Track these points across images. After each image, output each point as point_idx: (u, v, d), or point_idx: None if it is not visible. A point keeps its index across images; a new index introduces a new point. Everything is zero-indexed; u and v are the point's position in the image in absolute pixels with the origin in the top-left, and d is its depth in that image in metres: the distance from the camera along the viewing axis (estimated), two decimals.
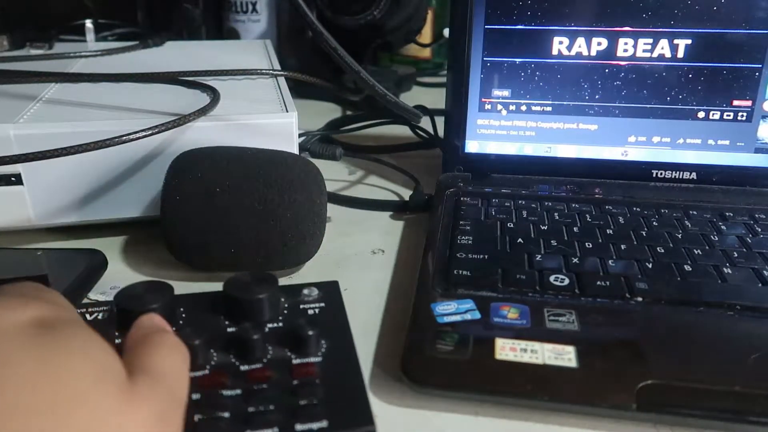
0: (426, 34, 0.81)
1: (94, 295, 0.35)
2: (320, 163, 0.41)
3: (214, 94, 0.42)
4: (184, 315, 0.29)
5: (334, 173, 0.52)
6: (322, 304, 0.30)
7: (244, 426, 0.22)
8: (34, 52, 0.57)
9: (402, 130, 0.59)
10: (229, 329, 0.28)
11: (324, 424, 0.22)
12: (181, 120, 0.37)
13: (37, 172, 0.37)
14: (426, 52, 0.85)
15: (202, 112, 0.38)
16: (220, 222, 0.34)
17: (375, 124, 0.60)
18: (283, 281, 0.30)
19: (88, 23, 0.63)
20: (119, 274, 0.37)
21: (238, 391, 0.24)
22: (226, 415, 0.23)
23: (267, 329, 0.28)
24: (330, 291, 0.31)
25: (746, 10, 0.41)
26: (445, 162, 0.48)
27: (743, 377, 0.26)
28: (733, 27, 0.42)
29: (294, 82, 0.50)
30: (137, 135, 0.35)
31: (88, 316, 0.29)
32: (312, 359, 0.26)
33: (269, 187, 0.34)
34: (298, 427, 0.22)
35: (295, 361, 0.26)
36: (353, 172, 0.53)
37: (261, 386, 0.24)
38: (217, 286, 0.30)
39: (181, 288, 0.30)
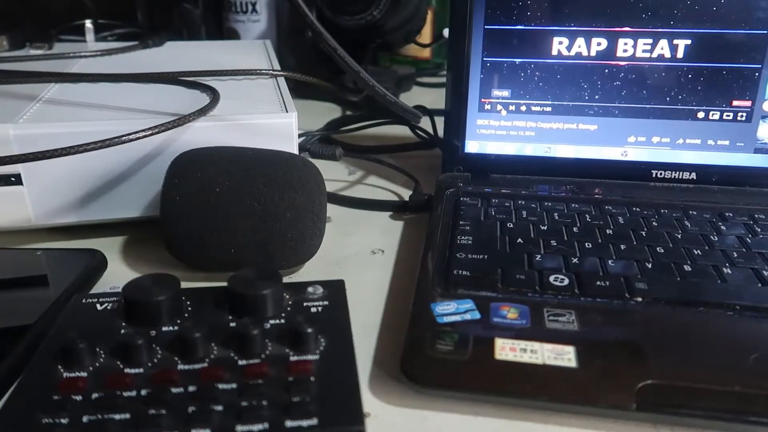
0: (426, 35, 0.81)
1: None
2: (320, 163, 0.41)
3: (214, 95, 0.42)
4: (189, 308, 0.29)
5: (334, 173, 0.52)
6: (326, 303, 0.30)
7: (235, 420, 0.22)
8: (34, 52, 0.57)
9: (402, 130, 0.59)
10: (232, 324, 0.28)
11: (314, 421, 0.23)
12: (181, 120, 0.37)
13: (37, 172, 0.37)
14: (426, 53, 0.85)
15: (202, 112, 0.38)
16: (219, 222, 0.34)
17: (375, 125, 0.60)
18: (284, 281, 0.30)
19: (88, 23, 0.63)
20: (119, 274, 0.37)
21: (234, 386, 0.24)
22: (219, 408, 0.23)
23: (268, 325, 0.28)
24: (335, 290, 0.31)
25: (746, 10, 0.41)
26: (445, 162, 0.48)
27: (743, 377, 0.26)
28: (732, 27, 0.42)
29: (294, 82, 0.50)
30: (137, 135, 0.35)
31: (98, 306, 0.29)
32: (309, 357, 0.26)
33: (269, 187, 0.34)
34: (288, 423, 0.22)
35: (293, 358, 0.26)
36: (353, 172, 0.53)
37: (256, 381, 0.24)
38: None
39: None
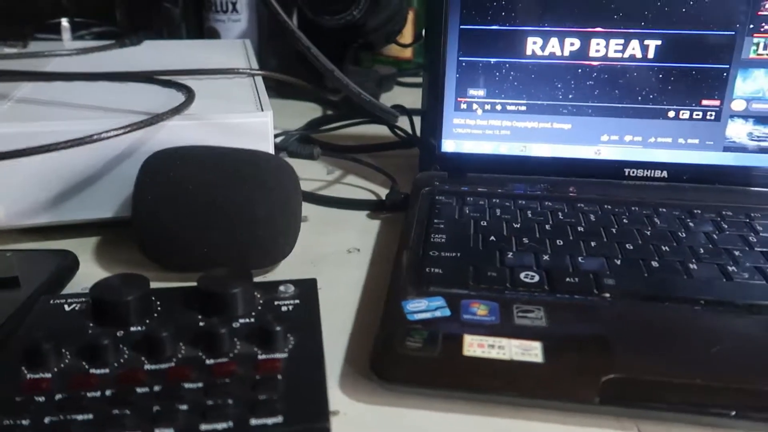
0: (407, 35, 0.81)
1: None
2: (298, 163, 0.41)
3: (189, 93, 0.41)
4: (159, 308, 0.29)
5: (312, 173, 0.52)
6: (297, 301, 0.30)
7: (200, 419, 0.22)
8: (8, 50, 0.56)
9: (381, 130, 0.59)
10: (201, 323, 0.28)
11: (279, 419, 0.23)
12: (154, 119, 0.37)
13: (7, 171, 0.37)
14: (407, 53, 0.85)
15: (176, 111, 0.38)
16: (192, 221, 0.34)
17: (354, 124, 0.61)
18: (257, 280, 0.30)
19: (64, 22, 0.63)
20: (91, 275, 0.37)
21: (200, 385, 0.24)
22: (184, 407, 0.23)
23: (238, 324, 0.28)
24: (306, 288, 0.31)
25: (714, 12, 0.42)
26: (422, 161, 0.49)
27: (705, 370, 0.27)
28: (701, 28, 0.42)
29: (276, 82, 0.50)
30: (109, 134, 0.35)
31: (66, 307, 0.29)
32: (277, 355, 0.26)
33: (242, 186, 0.34)
34: (253, 421, 0.22)
35: (261, 357, 0.26)
36: (331, 171, 0.53)
37: (223, 380, 0.24)
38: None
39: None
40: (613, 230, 0.38)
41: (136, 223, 0.35)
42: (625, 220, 0.39)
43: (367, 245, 0.41)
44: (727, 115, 0.44)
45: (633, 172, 0.46)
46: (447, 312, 0.30)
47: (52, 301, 0.29)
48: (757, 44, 0.42)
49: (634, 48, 0.43)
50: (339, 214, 0.46)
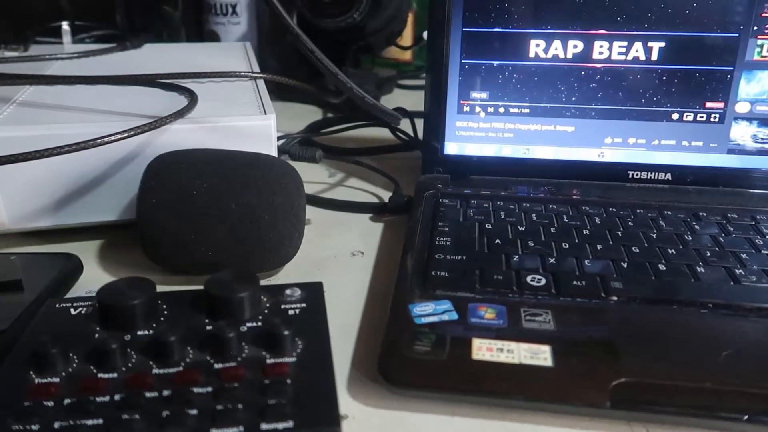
0: (407, 37, 0.81)
1: None
2: (300, 166, 0.41)
3: (192, 97, 0.41)
4: (165, 312, 0.29)
5: (314, 176, 0.52)
6: (304, 305, 0.30)
7: (210, 424, 0.22)
8: (8, 54, 0.56)
9: (382, 133, 0.59)
10: (208, 327, 0.28)
11: (289, 424, 0.22)
12: (158, 122, 0.37)
13: (11, 175, 0.36)
14: (407, 55, 0.85)
15: (179, 114, 0.38)
16: (196, 224, 0.34)
17: (355, 127, 0.60)
18: (262, 283, 0.30)
19: (65, 25, 0.62)
20: (95, 279, 0.37)
21: (209, 389, 0.24)
22: (194, 412, 0.23)
23: (245, 328, 0.28)
24: (313, 292, 0.31)
25: (718, 13, 0.42)
26: (425, 164, 0.48)
27: (715, 374, 0.27)
28: (705, 30, 0.42)
29: (275, 84, 0.50)
30: (113, 137, 0.34)
31: (72, 311, 0.29)
32: (286, 359, 0.26)
33: (246, 189, 0.34)
34: (264, 426, 0.22)
35: (269, 361, 0.26)
36: (333, 174, 0.53)
37: (232, 385, 0.24)
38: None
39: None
40: (619, 233, 0.38)
41: (140, 226, 0.35)
42: (630, 223, 0.39)
43: (371, 248, 0.41)
44: (731, 118, 0.44)
45: (636, 175, 0.46)
46: (454, 315, 0.30)
47: (57, 305, 0.29)
48: (761, 46, 0.42)
49: (638, 50, 0.43)
50: (342, 217, 0.46)
